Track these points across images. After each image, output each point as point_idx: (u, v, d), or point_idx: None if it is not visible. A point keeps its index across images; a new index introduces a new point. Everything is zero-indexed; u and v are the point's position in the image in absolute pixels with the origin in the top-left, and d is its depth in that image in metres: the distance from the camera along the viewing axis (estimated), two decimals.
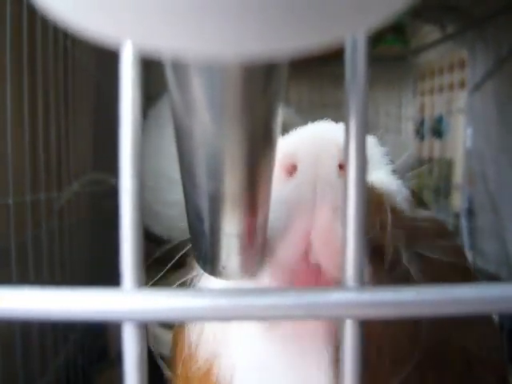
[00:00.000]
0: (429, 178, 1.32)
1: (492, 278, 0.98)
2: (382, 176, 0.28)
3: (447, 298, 0.14)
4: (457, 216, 1.15)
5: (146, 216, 1.12)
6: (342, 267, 0.14)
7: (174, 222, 1.07)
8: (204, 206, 0.17)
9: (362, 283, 0.14)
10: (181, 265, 0.32)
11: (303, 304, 0.14)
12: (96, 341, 0.91)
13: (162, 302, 0.14)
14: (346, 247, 0.15)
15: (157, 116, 1.16)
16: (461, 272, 0.28)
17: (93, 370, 0.86)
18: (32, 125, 0.64)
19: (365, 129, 0.15)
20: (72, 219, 0.81)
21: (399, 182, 0.29)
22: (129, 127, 0.13)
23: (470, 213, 1.12)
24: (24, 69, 0.60)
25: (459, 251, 0.30)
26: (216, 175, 0.15)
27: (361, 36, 0.13)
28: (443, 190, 1.28)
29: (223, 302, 0.14)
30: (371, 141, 0.29)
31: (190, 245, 0.22)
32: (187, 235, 0.30)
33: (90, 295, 0.14)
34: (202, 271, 0.27)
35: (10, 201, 0.58)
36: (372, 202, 0.24)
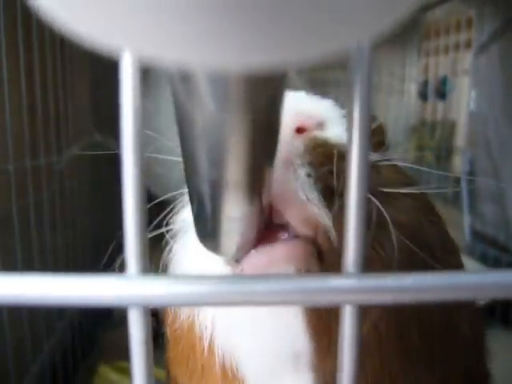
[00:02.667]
0: (430, 140, 1.31)
1: (490, 241, 0.99)
2: (339, 133, 0.28)
3: (446, 285, 0.14)
4: (457, 179, 1.15)
5: (146, 177, 1.11)
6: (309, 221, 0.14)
7: (173, 184, 1.06)
8: (206, 190, 0.17)
9: (362, 270, 0.15)
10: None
11: (303, 290, 0.14)
12: None
13: (166, 288, 0.14)
14: (347, 234, 0.15)
15: (156, 76, 1.13)
16: (427, 212, 0.29)
17: (97, 331, 0.88)
18: (29, 89, 0.63)
19: (368, 115, 0.15)
20: (73, 182, 0.82)
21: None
22: (130, 132, 0.12)
23: (471, 176, 1.12)
24: (19, 34, 0.59)
25: (422, 195, 0.31)
26: (218, 162, 0.15)
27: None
28: (444, 152, 1.27)
29: (225, 288, 0.14)
30: (328, 105, 0.31)
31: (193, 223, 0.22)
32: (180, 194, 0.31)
33: (95, 281, 0.14)
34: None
35: (10, 166, 0.57)
36: (325, 154, 0.26)
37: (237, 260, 0.24)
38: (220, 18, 0.07)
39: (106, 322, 0.91)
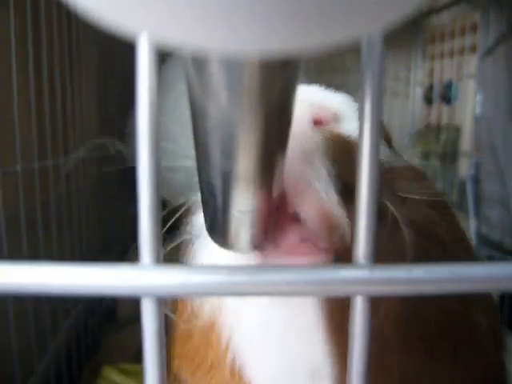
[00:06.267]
0: (436, 144, 1.31)
1: (496, 245, 0.98)
2: (354, 129, 0.28)
3: (456, 276, 0.14)
4: (462, 183, 1.15)
5: None
6: (327, 221, 0.15)
7: (179, 187, 1.07)
8: (217, 183, 0.17)
9: (372, 261, 0.15)
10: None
11: (315, 281, 0.14)
12: (105, 303, 0.94)
13: (180, 278, 0.14)
14: (357, 225, 0.15)
15: (162, 80, 1.14)
16: (440, 209, 0.29)
17: (102, 331, 0.88)
18: (38, 92, 0.64)
19: (380, 109, 0.15)
20: (79, 184, 0.82)
21: None
22: (146, 122, 0.13)
23: (476, 180, 1.12)
24: (29, 37, 0.59)
25: (435, 192, 0.31)
26: (230, 155, 0.15)
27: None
28: (450, 156, 1.27)
29: (238, 279, 0.14)
30: (343, 98, 0.31)
31: (203, 217, 0.22)
32: (190, 199, 0.31)
33: (109, 271, 0.14)
34: (197, 235, 0.29)
35: (19, 168, 0.58)
36: (343, 149, 0.25)
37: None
38: (239, 3, 0.07)
39: (109, 324, 0.92)
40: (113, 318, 0.93)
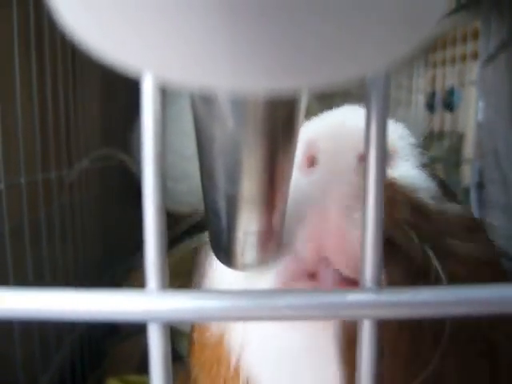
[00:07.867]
0: (439, 151, 1.31)
1: (501, 253, 0.98)
2: (407, 169, 0.26)
3: (463, 299, 0.14)
4: (466, 190, 1.14)
5: None
6: (359, 268, 0.15)
7: (183, 197, 1.07)
8: (222, 205, 0.17)
9: (379, 284, 0.15)
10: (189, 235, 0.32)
11: (321, 305, 0.14)
12: None
13: (186, 303, 0.14)
14: (365, 249, 0.15)
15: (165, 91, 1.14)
16: (490, 268, 0.27)
17: (106, 342, 0.88)
18: (41, 104, 0.64)
19: (385, 127, 0.15)
20: (83, 195, 0.82)
21: (427, 175, 0.27)
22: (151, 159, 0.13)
23: (480, 186, 1.11)
24: (32, 47, 0.60)
25: (489, 245, 0.28)
26: (235, 179, 0.15)
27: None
28: (453, 163, 1.27)
29: (244, 303, 0.14)
30: (401, 132, 0.28)
31: (209, 237, 0.22)
32: (195, 210, 0.31)
33: (115, 297, 0.14)
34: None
35: (22, 180, 0.58)
36: (392, 198, 0.23)
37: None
38: (244, 44, 0.07)
39: (112, 335, 0.91)
40: (116, 328, 0.93)
